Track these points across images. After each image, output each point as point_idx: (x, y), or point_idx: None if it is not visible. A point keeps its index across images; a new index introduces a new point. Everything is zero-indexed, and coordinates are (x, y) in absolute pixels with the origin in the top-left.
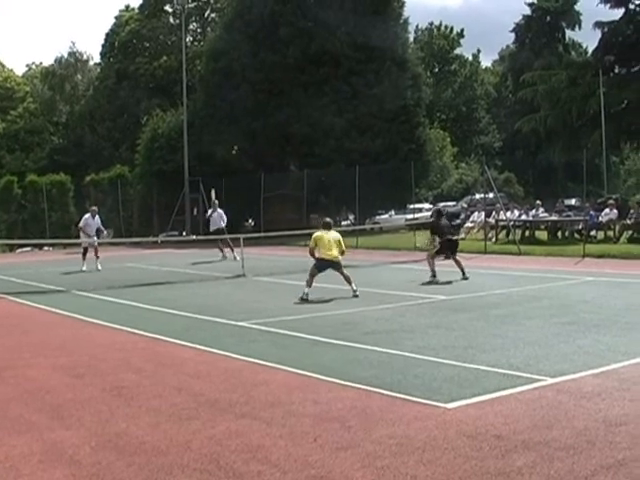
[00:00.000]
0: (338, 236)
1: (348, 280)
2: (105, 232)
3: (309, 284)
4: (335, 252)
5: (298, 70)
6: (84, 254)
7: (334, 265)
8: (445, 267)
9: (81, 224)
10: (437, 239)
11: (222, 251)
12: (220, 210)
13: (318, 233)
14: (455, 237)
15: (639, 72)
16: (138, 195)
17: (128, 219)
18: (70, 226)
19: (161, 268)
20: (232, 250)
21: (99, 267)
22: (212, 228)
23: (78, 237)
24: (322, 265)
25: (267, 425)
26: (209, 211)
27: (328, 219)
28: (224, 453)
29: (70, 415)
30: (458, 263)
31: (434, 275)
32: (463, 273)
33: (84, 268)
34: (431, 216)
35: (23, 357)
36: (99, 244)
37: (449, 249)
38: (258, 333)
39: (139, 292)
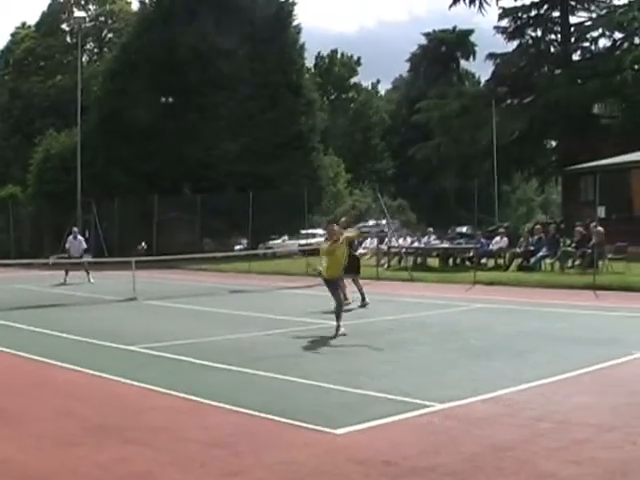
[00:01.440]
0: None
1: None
2: None
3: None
4: (326, 266)
5: (195, 93)
6: None
7: (326, 283)
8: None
9: None
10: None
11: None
12: (80, 237)
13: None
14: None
15: (530, 103)
16: (29, 216)
17: (19, 240)
18: None
19: (51, 290)
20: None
21: None
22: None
23: None
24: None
25: (155, 451)
26: (70, 237)
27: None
28: None
29: None
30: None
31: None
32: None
33: None
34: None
35: None
36: None
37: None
38: (147, 357)
39: (27, 314)
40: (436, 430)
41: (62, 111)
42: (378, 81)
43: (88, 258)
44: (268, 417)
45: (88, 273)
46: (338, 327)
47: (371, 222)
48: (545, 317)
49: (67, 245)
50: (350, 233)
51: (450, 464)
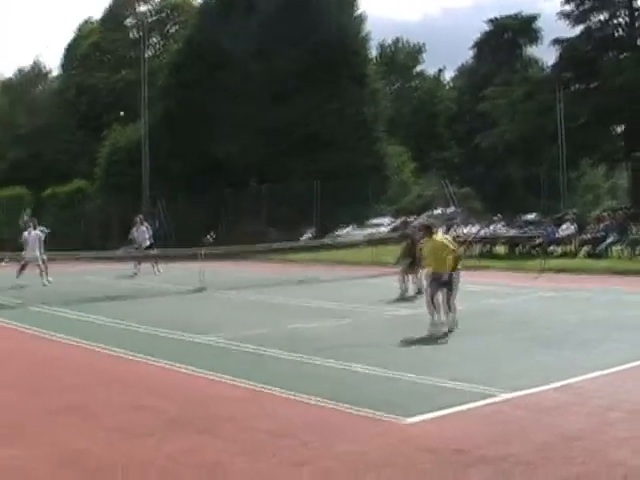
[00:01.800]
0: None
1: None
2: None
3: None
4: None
5: (258, 85)
6: (21, 269)
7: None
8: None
9: (22, 239)
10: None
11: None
12: (145, 226)
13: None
14: None
15: (596, 89)
16: (97, 209)
17: (87, 233)
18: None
19: (120, 282)
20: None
21: (46, 281)
22: (142, 243)
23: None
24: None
25: (225, 441)
26: (134, 227)
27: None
28: (182, 470)
29: (28, 433)
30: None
31: (406, 290)
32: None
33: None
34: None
35: None
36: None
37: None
38: (217, 348)
39: (96, 306)
40: (506, 419)
41: (128, 105)
42: (441, 69)
43: (154, 250)
44: (337, 407)
45: (156, 264)
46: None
47: (437, 211)
48: (614, 304)
49: (135, 234)
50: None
51: (521, 453)
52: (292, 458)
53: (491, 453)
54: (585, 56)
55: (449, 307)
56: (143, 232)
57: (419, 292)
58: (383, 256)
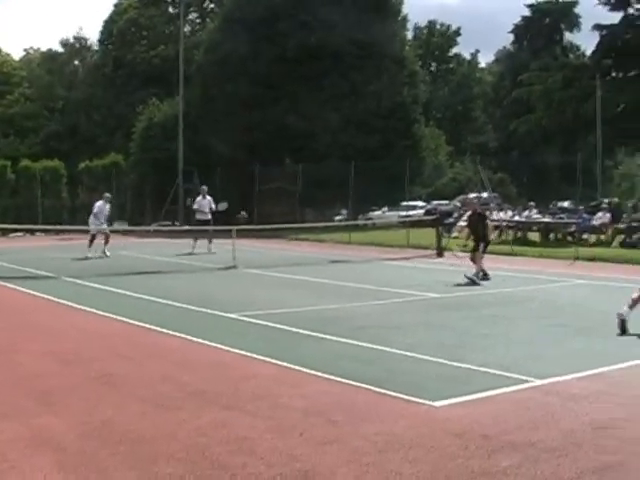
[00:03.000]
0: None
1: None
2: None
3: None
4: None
5: (296, 63)
6: (91, 240)
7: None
8: (439, 265)
9: (95, 210)
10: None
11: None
12: (209, 197)
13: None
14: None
15: (636, 77)
16: (132, 183)
17: (121, 207)
18: (62, 212)
19: (153, 257)
20: (209, 242)
21: (107, 253)
22: (200, 217)
23: (82, 224)
24: None
25: (253, 417)
26: (198, 197)
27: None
28: (210, 444)
29: (57, 402)
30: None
31: (485, 274)
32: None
33: (89, 255)
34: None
35: (11, 342)
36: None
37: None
38: (247, 325)
39: (130, 281)
40: (535, 406)
41: (164, 81)
42: (477, 51)
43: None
44: (366, 387)
45: (210, 242)
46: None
47: (472, 195)
48: None
49: (195, 206)
50: None
51: (549, 440)
52: (320, 436)
53: (519, 439)
54: (625, 44)
55: None
56: (209, 202)
57: (485, 275)
58: (418, 239)
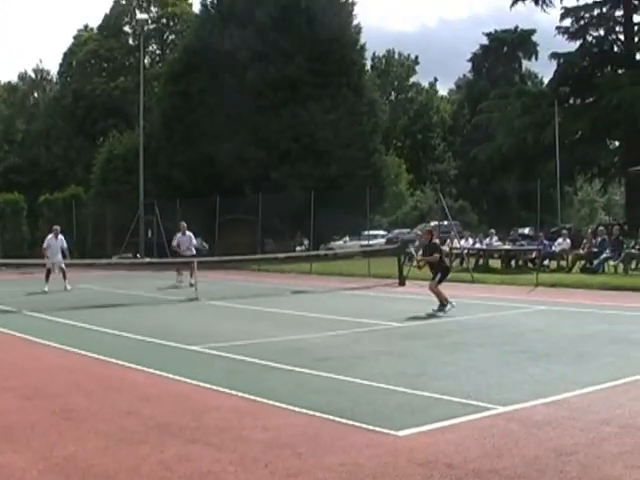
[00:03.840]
0: None
1: None
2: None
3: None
4: None
5: (256, 94)
6: (47, 275)
7: None
8: (401, 294)
9: (44, 245)
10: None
11: (181, 275)
12: (189, 233)
13: None
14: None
15: (593, 104)
16: (92, 216)
17: (82, 240)
18: (22, 245)
19: (114, 290)
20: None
21: (67, 287)
22: (185, 252)
23: (41, 257)
24: None
25: (217, 451)
26: (178, 234)
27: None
28: (173, 479)
29: (18, 438)
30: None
31: (446, 302)
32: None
33: (45, 289)
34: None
35: None
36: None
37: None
38: (210, 357)
39: (91, 314)
40: (498, 433)
41: (125, 112)
42: (435, 79)
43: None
44: (329, 418)
45: (191, 275)
46: None
47: (433, 223)
48: (609, 319)
49: (175, 242)
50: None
51: (513, 467)
52: (285, 469)
53: (483, 467)
54: (582, 71)
55: None
56: (190, 238)
57: (443, 305)
58: (379, 268)
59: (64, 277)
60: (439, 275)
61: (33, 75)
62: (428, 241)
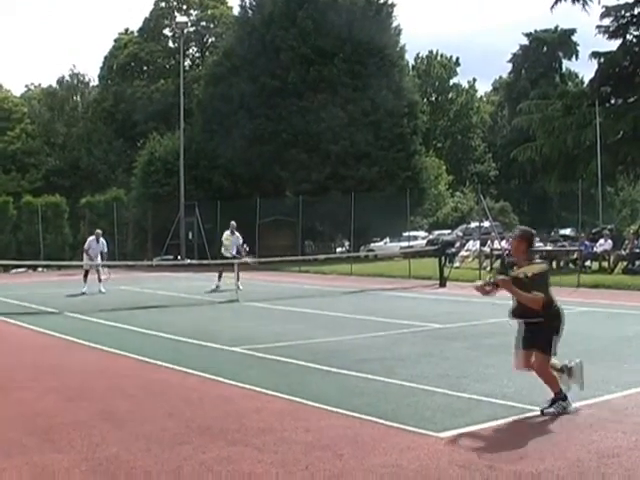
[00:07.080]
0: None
1: None
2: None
3: None
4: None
5: (296, 96)
6: (85, 276)
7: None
8: (441, 295)
9: (85, 246)
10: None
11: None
12: (237, 234)
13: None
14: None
15: (635, 103)
16: (133, 218)
17: (122, 242)
18: (64, 247)
19: (155, 291)
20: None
21: (102, 290)
22: (232, 253)
23: (81, 259)
24: None
25: (259, 452)
26: (226, 232)
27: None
28: (215, 479)
29: (61, 438)
30: None
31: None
32: None
33: (84, 290)
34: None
35: (15, 379)
36: (103, 267)
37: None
38: (251, 359)
39: (131, 315)
40: (540, 435)
41: (165, 115)
42: (474, 80)
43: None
44: (371, 420)
45: (238, 278)
46: None
47: (473, 224)
48: None
49: (226, 242)
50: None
51: (555, 469)
52: (326, 470)
53: (525, 469)
54: (623, 70)
55: None
56: (237, 238)
57: None
58: (420, 270)
59: (99, 279)
60: (549, 337)
61: (70, 79)
62: (523, 254)
